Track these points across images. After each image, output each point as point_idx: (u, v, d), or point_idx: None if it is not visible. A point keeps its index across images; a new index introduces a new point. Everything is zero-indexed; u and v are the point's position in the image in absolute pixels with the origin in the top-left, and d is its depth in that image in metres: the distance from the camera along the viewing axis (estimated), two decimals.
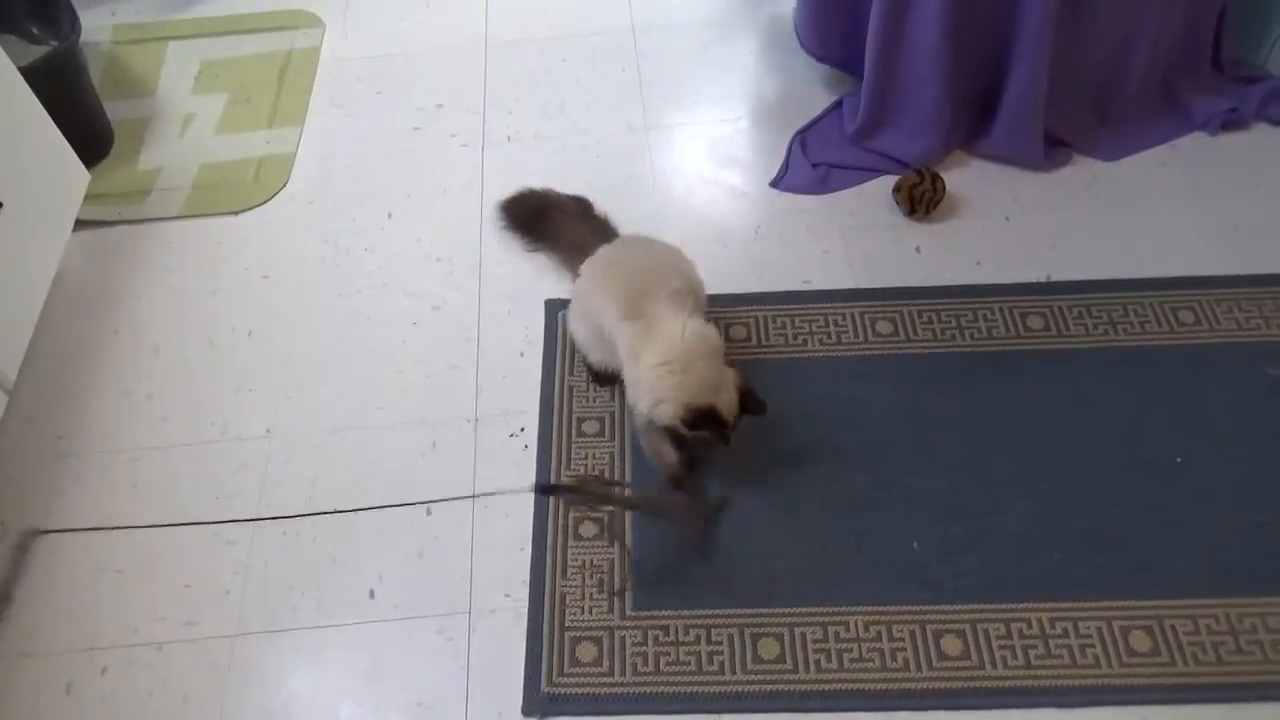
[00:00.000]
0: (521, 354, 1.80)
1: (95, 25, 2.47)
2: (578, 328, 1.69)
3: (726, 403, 1.46)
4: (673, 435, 1.51)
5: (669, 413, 1.46)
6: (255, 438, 1.71)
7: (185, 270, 1.99)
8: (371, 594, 1.53)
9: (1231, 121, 2.07)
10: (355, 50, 2.43)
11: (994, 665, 1.40)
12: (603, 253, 1.66)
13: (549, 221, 1.88)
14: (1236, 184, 1.99)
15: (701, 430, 1.46)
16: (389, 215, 2.05)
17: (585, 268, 1.65)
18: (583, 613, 1.48)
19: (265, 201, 2.09)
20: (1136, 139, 2.07)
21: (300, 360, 1.83)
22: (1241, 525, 1.52)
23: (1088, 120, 2.07)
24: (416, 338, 1.84)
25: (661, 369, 1.46)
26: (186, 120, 2.28)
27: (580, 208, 1.88)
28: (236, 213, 2.08)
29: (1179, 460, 1.59)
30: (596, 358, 1.67)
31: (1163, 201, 1.97)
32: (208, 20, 2.52)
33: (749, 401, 1.49)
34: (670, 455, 1.55)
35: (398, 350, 1.83)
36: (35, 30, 2.07)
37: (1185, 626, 1.42)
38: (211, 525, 1.61)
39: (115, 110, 2.26)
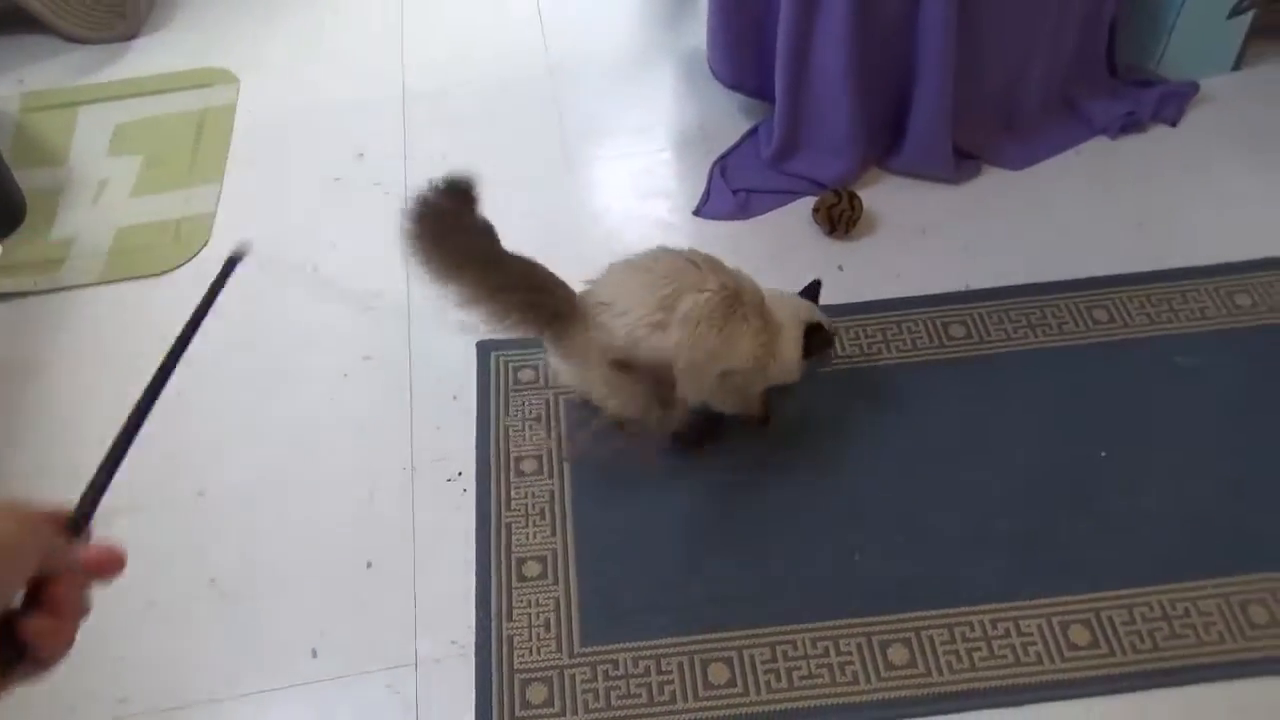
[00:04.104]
0: (455, 398, 1.79)
1: (2, 94, 2.44)
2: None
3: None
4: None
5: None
6: (186, 498, 1.68)
7: (106, 337, 1.95)
8: (314, 653, 1.50)
9: (1129, 124, 2.15)
10: (272, 105, 2.42)
11: (939, 671, 1.42)
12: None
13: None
14: (1137, 183, 2.06)
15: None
16: (314, 268, 2.04)
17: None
18: (531, 654, 1.46)
19: (187, 262, 2.06)
20: (1042, 147, 2.14)
21: (230, 419, 1.80)
22: (1167, 513, 1.56)
23: (994, 132, 2.14)
24: (347, 389, 1.82)
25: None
26: (101, 185, 2.24)
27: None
28: (158, 275, 2.05)
29: (1103, 454, 1.64)
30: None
31: (1071, 205, 2.04)
32: (119, 83, 2.49)
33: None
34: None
35: (329, 403, 1.80)
36: None
37: (1122, 616, 1.45)
38: (144, 595, 1.56)
39: (26, 180, 2.21)
